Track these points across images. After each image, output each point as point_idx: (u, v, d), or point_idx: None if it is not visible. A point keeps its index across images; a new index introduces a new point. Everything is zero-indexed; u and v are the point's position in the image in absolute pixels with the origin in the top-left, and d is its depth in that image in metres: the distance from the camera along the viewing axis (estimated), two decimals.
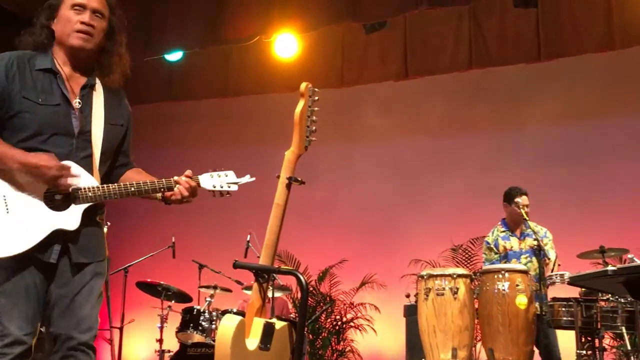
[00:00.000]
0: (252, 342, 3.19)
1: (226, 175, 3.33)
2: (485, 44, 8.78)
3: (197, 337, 6.84)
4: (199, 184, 3.19)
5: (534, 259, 6.24)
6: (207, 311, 6.98)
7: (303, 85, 3.57)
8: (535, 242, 6.10)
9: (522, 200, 6.43)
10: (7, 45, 3.12)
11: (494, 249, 6.49)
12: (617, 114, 9.08)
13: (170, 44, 8.81)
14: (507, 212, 6.53)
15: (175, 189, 3.10)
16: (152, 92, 10.17)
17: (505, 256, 6.42)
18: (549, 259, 6.27)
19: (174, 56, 9.34)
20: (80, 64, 3.05)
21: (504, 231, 6.56)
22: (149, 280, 7.33)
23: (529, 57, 8.63)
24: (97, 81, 3.09)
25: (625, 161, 8.78)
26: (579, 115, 9.27)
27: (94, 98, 3.05)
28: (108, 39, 3.10)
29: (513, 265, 6.03)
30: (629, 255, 6.06)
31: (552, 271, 5.99)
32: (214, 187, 3.27)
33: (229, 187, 3.32)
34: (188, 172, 3.17)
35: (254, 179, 3.34)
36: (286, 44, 8.97)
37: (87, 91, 3.04)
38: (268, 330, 3.23)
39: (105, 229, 5.61)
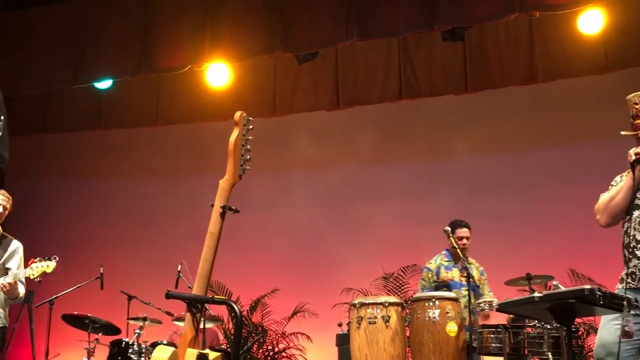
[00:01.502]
0: None
1: None
2: (414, 75, 8.95)
3: None
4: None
5: (472, 292, 6.39)
6: (136, 343, 6.82)
7: (237, 114, 3.57)
8: (475, 275, 6.29)
9: (461, 232, 6.60)
10: None
11: (434, 276, 6.55)
12: (540, 145, 9.39)
13: (101, 72, 8.66)
14: (448, 242, 6.62)
15: None
16: (80, 121, 9.98)
17: (447, 285, 6.49)
18: (477, 286, 6.43)
19: (104, 84, 9.18)
20: None
21: (448, 261, 6.64)
22: (75, 312, 7.13)
23: (457, 88, 8.83)
24: None
25: (549, 191, 9.06)
26: (504, 146, 9.55)
27: None
28: None
29: (443, 292, 6.11)
30: (554, 282, 6.20)
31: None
32: None
33: None
34: None
35: None
36: (218, 73, 8.93)
37: None
38: None
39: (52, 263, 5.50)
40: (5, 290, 5.35)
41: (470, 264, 6.79)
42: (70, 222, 10.56)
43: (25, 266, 5.54)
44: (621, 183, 4.09)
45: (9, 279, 5.38)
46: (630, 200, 4.00)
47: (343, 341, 6.80)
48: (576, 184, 8.71)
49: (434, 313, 5.59)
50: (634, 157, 3.92)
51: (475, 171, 9.54)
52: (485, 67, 8.76)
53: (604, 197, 4.16)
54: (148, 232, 10.30)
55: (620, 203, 4.04)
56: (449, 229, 6.43)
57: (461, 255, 6.39)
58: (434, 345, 5.48)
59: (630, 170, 3.99)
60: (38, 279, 5.48)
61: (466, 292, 6.33)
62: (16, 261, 5.67)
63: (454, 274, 6.55)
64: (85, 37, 8.57)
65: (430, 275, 6.60)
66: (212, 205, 3.50)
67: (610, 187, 4.23)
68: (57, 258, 5.60)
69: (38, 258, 5.52)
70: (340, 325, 7.30)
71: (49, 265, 5.49)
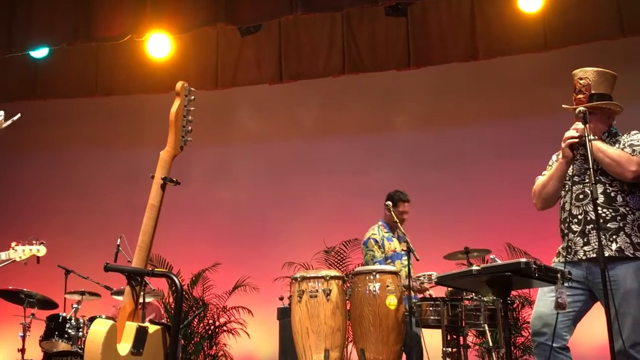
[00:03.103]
0: (124, 347, 3.09)
1: None
2: (357, 50, 8.96)
3: (63, 346, 6.59)
4: None
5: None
6: (73, 318, 6.73)
7: (179, 85, 3.52)
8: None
9: (405, 206, 6.64)
10: None
11: (382, 247, 6.56)
12: (479, 121, 9.54)
13: (36, 40, 8.40)
14: (388, 215, 6.61)
15: None
16: (14, 90, 9.67)
17: (391, 257, 6.52)
18: (417, 259, 6.51)
19: (40, 53, 8.91)
20: None
21: (387, 232, 6.65)
22: (10, 287, 6.98)
23: (399, 63, 8.87)
24: None
25: (488, 166, 9.23)
26: (444, 121, 9.67)
27: None
28: None
29: (384, 266, 6.17)
30: (491, 256, 6.35)
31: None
32: None
33: None
34: None
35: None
36: (159, 44, 8.77)
37: None
38: (141, 334, 3.14)
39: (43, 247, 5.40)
40: None
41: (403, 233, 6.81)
42: (4, 194, 10.29)
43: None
44: (552, 169, 4.15)
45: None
46: (566, 177, 4.07)
47: (284, 315, 6.82)
48: (513, 160, 8.90)
49: (374, 286, 5.64)
50: (567, 142, 3.97)
51: (416, 146, 9.64)
52: (428, 43, 8.83)
53: (538, 183, 4.22)
54: (86, 204, 10.11)
55: (551, 191, 4.12)
56: (390, 203, 6.45)
57: (401, 228, 6.41)
58: (374, 318, 5.53)
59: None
60: (25, 262, 5.38)
61: (407, 263, 6.37)
62: None
63: (395, 245, 6.61)
64: (18, 2, 8.28)
65: (378, 247, 6.58)
66: (153, 177, 3.44)
67: (547, 167, 4.29)
68: (45, 242, 5.52)
69: (21, 241, 5.42)
70: (281, 299, 7.31)
71: (40, 250, 5.41)
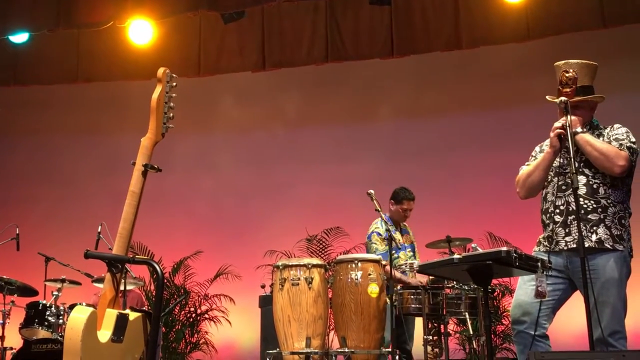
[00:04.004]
0: (105, 334, 3.08)
1: None
2: (341, 39, 8.95)
3: (43, 333, 6.54)
4: None
5: (415, 253, 6.55)
6: (53, 305, 6.69)
7: (160, 71, 3.49)
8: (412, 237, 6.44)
9: (409, 204, 6.70)
10: None
11: (386, 240, 6.58)
12: (461, 111, 9.56)
13: (16, 25, 8.32)
14: (393, 210, 6.68)
15: None
16: None
17: (398, 248, 6.56)
18: (399, 247, 6.56)
19: (20, 38, 8.81)
20: None
21: (391, 225, 6.68)
22: None
23: (383, 52, 8.89)
24: None
25: (470, 156, 9.26)
26: (427, 110, 9.68)
27: None
28: None
29: (365, 254, 6.19)
30: (473, 245, 6.34)
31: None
32: None
33: None
34: None
35: None
36: (141, 30, 8.70)
37: None
38: (121, 321, 3.12)
39: None
40: None
41: (405, 226, 6.91)
42: None
43: None
44: (538, 159, 4.15)
45: None
46: (550, 168, 4.08)
47: (266, 303, 6.83)
48: (495, 149, 8.94)
49: (356, 275, 5.64)
50: (555, 132, 3.97)
51: (398, 135, 9.65)
52: (411, 32, 8.84)
53: (522, 172, 4.22)
54: (67, 191, 10.04)
55: (536, 180, 4.12)
56: (371, 191, 6.43)
57: (401, 224, 6.51)
58: (356, 306, 5.53)
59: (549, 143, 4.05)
60: None
61: (411, 254, 6.46)
62: None
63: (398, 237, 6.62)
64: None
65: (382, 239, 6.59)
66: (134, 164, 3.41)
67: (530, 158, 4.30)
68: None
69: None
70: (263, 287, 7.31)
71: None
